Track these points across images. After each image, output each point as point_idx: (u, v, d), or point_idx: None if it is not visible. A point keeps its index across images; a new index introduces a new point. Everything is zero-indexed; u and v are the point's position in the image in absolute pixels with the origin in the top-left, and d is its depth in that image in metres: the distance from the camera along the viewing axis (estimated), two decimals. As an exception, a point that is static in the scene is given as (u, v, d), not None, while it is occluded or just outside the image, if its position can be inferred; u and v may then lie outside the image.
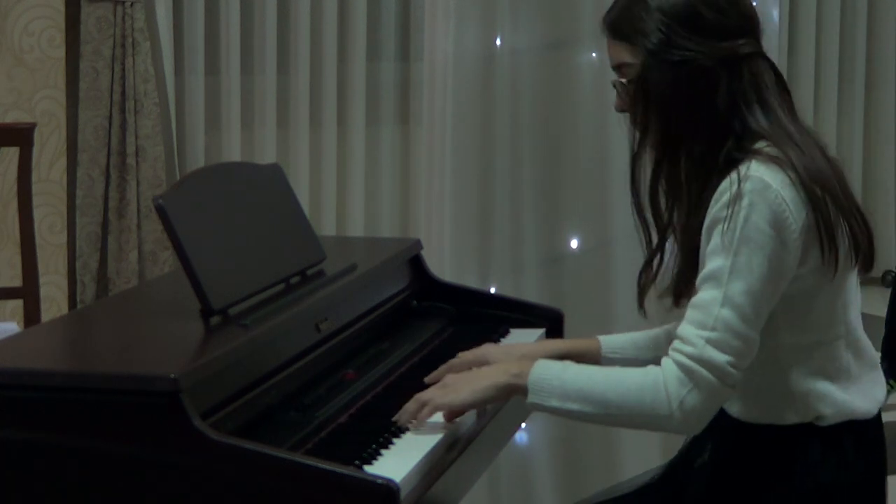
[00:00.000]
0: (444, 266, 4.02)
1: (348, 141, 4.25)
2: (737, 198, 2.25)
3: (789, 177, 2.28)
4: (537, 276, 4.13)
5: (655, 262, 2.44)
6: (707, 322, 2.26)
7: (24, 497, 2.17)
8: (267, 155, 4.14)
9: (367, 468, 2.20)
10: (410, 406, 2.40)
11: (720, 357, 2.25)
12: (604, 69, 4.11)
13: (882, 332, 5.12)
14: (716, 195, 2.29)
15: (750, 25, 2.38)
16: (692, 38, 2.33)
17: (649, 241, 2.44)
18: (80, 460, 2.14)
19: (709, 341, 2.26)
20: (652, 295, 2.51)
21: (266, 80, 4.17)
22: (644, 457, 3.78)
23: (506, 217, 4.11)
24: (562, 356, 2.63)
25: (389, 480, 2.07)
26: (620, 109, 2.43)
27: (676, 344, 2.30)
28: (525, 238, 4.13)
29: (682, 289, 2.41)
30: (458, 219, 4.10)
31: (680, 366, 2.27)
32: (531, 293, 4.00)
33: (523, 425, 3.72)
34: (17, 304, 3.77)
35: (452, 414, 2.40)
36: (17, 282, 3.70)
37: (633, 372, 2.34)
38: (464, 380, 2.44)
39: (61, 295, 4.06)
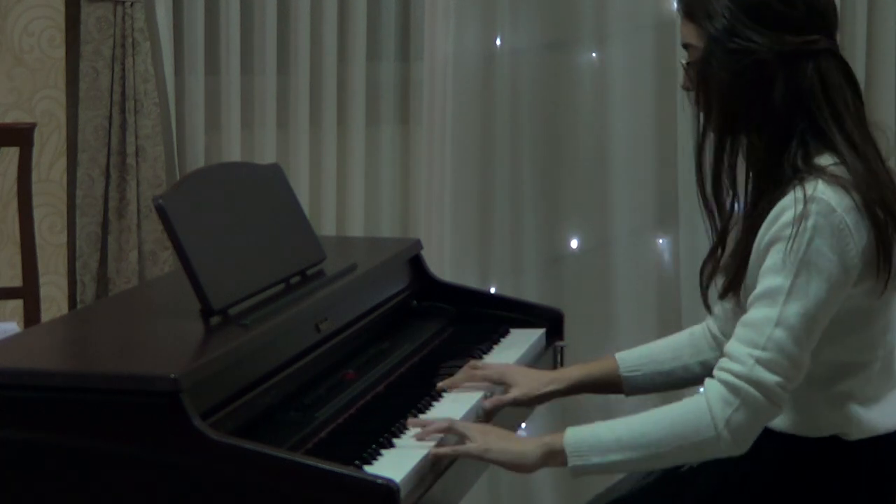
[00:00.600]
0: (444, 266, 4.02)
1: (348, 141, 4.24)
2: (802, 218, 2.21)
3: (854, 200, 2.24)
4: (537, 276, 4.13)
5: (718, 253, 2.39)
6: (759, 341, 2.23)
7: (24, 497, 2.17)
8: (267, 155, 4.14)
9: (367, 468, 2.20)
10: (439, 427, 2.34)
11: (770, 378, 2.22)
12: (604, 69, 4.12)
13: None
14: (776, 210, 2.26)
15: (822, 21, 2.33)
16: (755, 28, 2.29)
17: (715, 231, 2.40)
18: (80, 460, 2.14)
19: (759, 361, 2.22)
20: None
21: (266, 80, 4.17)
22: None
23: (506, 217, 4.11)
24: (580, 380, 2.61)
25: (389, 480, 2.07)
26: (686, 88, 2.40)
27: (724, 362, 2.26)
28: (525, 238, 4.13)
29: (731, 282, 2.36)
30: (458, 219, 4.09)
31: (726, 384, 2.24)
32: (531, 293, 4.00)
33: (523, 425, 3.72)
34: (17, 304, 3.77)
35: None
36: (17, 282, 3.69)
37: (669, 406, 2.29)
38: (498, 434, 2.37)
39: (61, 295, 4.05)
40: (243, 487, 2.09)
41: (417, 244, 3.18)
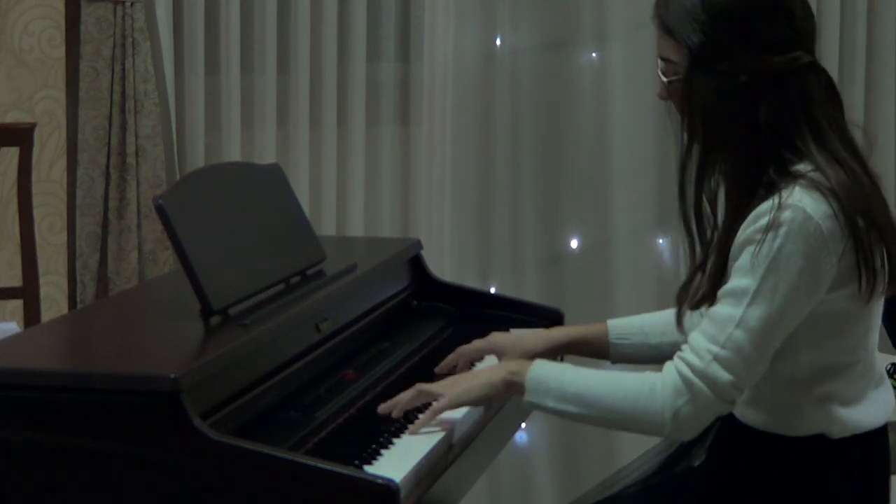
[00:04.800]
0: (444, 266, 4.03)
1: (348, 141, 4.24)
2: (774, 225, 2.21)
3: (832, 207, 2.22)
4: (537, 276, 4.13)
5: (697, 279, 2.38)
6: (719, 338, 2.25)
7: (25, 497, 2.17)
8: (267, 155, 4.14)
9: (367, 468, 2.20)
10: (407, 395, 2.41)
11: (724, 376, 2.24)
12: (604, 69, 4.12)
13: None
14: (753, 215, 2.25)
15: (803, 37, 2.31)
16: (740, 48, 2.26)
17: (693, 256, 2.38)
18: (80, 460, 2.14)
19: (716, 358, 2.24)
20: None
21: (266, 80, 4.17)
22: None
23: (506, 217, 4.12)
24: (571, 342, 2.67)
25: (389, 480, 2.07)
26: (661, 97, 2.38)
27: (684, 352, 2.28)
28: (525, 238, 4.13)
29: (706, 295, 2.36)
30: (458, 219, 4.10)
31: (681, 376, 2.27)
32: (531, 293, 4.00)
33: (523, 425, 3.72)
34: (17, 304, 3.77)
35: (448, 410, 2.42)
36: (17, 282, 3.69)
37: (630, 377, 2.33)
38: (464, 378, 2.45)
39: (61, 295, 4.05)
40: (243, 487, 2.09)
41: (417, 244, 3.18)
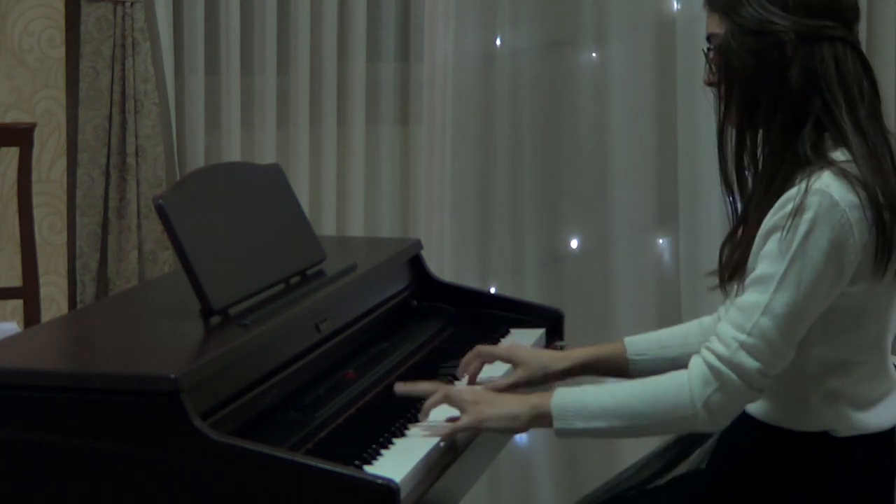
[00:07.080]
0: (444, 266, 4.03)
1: (348, 141, 4.24)
2: (801, 210, 2.23)
3: (859, 197, 2.25)
4: (537, 276, 4.13)
5: (738, 233, 2.40)
6: (745, 326, 2.26)
7: (25, 497, 2.17)
8: (267, 155, 4.14)
9: (367, 468, 2.20)
10: (434, 398, 2.40)
11: (751, 363, 2.26)
12: (604, 69, 4.13)
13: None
14: (781, 200, 2.28)
15: (838, 10, 2.36)
16: (774, 10, 2.32)
17: (735, 213, 2.42)
18: (80, 460, 2.14)
19: (743, 345, 2.26)
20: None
21: (266, 80, 4.17)
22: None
23: (506, 217, 4.12)
24: (589, 361, 2.66)
25: (389, 480, 2.07)
26: (708, 83, 2.42)
27: (711, 341, 2.30)
28: (525, 238, 4.13)
29: (730, 270, 2.38)
30: (458, 219, 4.10)
31: (709, 365, 2.28)
32: (531, 293, 4.01)
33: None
34: (17, 304, 3.77)
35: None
36: (17, 282, 3.69)
37: (652, 380, 2.35)
38: (489, 402, 2.41)
39: (61, 295, 4.05)
40: (243, 487, 2.09)
41: (417, 244, 3.18)
